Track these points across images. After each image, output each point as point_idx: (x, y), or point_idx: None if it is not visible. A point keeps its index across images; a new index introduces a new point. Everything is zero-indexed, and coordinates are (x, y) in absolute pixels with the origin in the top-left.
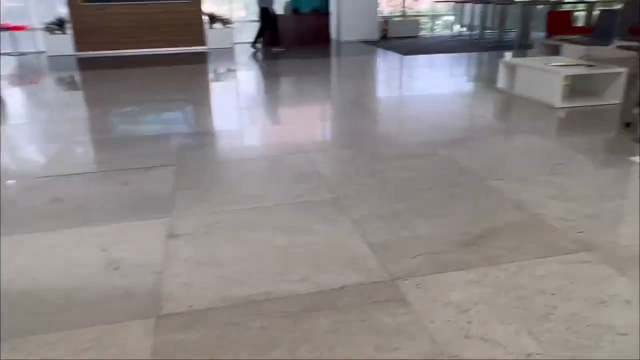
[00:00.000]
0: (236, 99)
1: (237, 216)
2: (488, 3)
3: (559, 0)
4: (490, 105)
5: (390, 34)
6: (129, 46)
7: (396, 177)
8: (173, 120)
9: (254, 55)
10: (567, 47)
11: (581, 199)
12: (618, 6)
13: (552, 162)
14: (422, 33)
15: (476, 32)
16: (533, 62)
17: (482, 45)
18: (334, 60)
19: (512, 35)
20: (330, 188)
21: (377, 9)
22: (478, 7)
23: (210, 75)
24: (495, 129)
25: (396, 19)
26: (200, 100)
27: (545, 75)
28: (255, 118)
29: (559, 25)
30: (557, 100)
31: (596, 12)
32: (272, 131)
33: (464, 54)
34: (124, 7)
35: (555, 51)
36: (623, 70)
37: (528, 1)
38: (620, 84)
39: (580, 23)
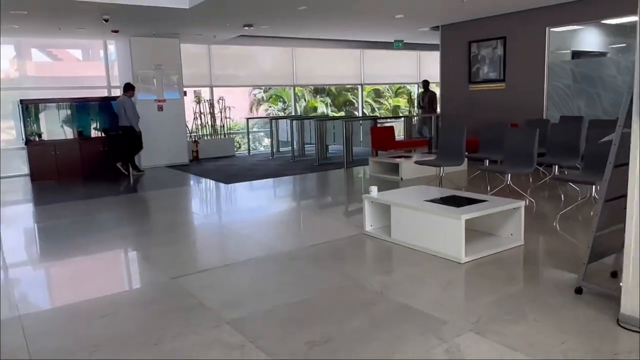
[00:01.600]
0: None
1: None
2: (305, 119)
3: (376, 116)
4: (373, 266)
5: (202, 154)
6: None
7: None
8: None
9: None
10: (406, 165)
11: None
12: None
13: None
14: (238, 152)
15: (289, 148)
16: (410, 200)
17: (307, 164)
18: (130, 200)
19: (333, 149)
20: None
21: (185, 128)
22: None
23: None
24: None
25: (207, 138)
26: None
27: (439, 220)
28: None
29: (384, 140)
30: (461, 253)
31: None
32: None
33: (294, 177)
34: None
35: (392, 169)
36: (520, 204)
37: (348, 117)
38: (517, 219)
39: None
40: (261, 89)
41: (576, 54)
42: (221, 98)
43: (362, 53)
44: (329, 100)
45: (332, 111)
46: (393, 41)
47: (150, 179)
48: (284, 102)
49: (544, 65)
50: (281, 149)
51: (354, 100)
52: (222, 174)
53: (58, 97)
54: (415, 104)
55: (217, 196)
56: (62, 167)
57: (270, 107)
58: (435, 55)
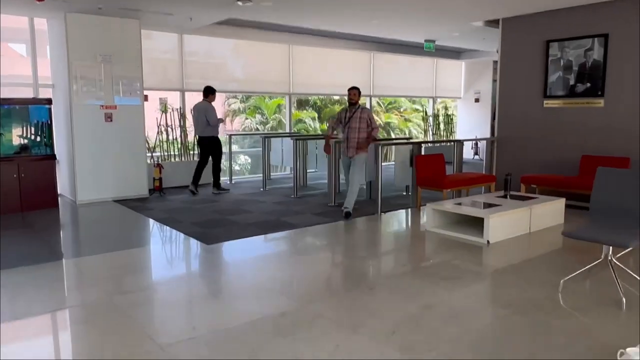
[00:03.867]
0: None
1: None
2: (309, 139)
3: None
4: None
5: (168, 182)
6: None
7: None
8: None
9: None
10: (497, 221)
11: None
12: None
13: None
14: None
15: (281, 175)
16: None
17: (316, 203)
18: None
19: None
20: None
21: (145, 147)
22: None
23: None
24: None
25: (175, 160)
26: None
27: None
28: None
29: (433, 174)
30: None
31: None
32: None
33: (311, 232)
34: None
35: (463, 222)
36: None
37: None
38: None
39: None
40: (237, 98)
41: None
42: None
43: (372, 57)
44: (315, 114)
45: (320, 126)
46: (423, 41)
47: (86, 225)
48: (262, 115)
49: None
50: (272, 176)
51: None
52: (197, 218)
53: None
54: (328, 127)
55: (191, 282)
56: None
57: (247, 119)
58: (454, 65)
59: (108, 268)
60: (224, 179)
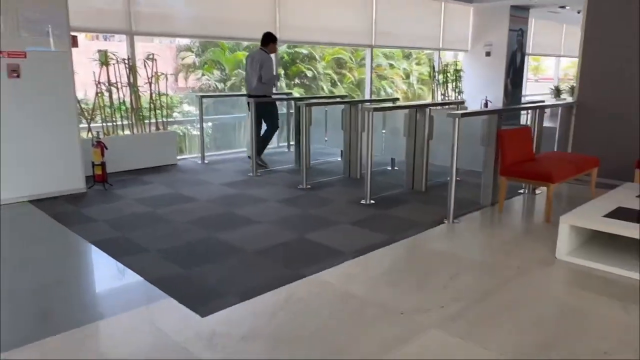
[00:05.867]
0: None
1: None
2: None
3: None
4: None
5: (114, 166)
6: None
7: None
8: None
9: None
10: None
11: None
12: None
13: None
14: (183, 158)
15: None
16: None
17: (347, 198)
18: None
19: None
20: None
21: (77, 116)
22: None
23: None
24: None
25: (125, 133)
26: None
27: None
28: None
29: (522, 156)
30: None
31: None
32: None
33: (369, 261)
34: None
35: (612, 246)
36: None
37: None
38: None
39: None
40: (192, 50)
41: None
42: (151, 57)
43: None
44: (282, 70)
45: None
46: None
47: None
48: (222, 70)
49: None
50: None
51: (310, 73)
52: (168, 239)
53: None
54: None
55: None
56: None
57: (203, 75)
58: (461, 10)
59: None
60: (191, 156)
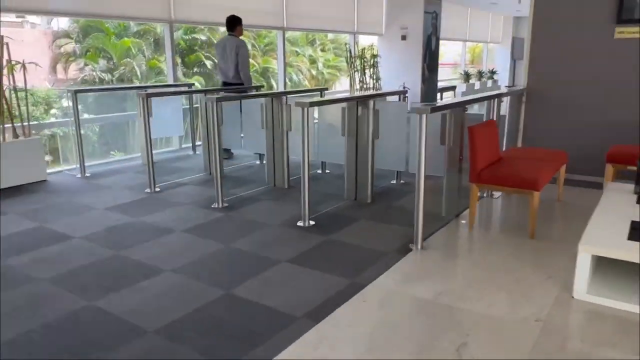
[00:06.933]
0: None
1: None
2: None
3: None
4: None
5: None
6: None
7: None
8: None
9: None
10: None
11: None
12: None
13: None
14: (54, 172)
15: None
16: None
17: (284, 220)
18: None
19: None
20: None
21: None
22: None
23: None
24: None
25: None
26: None
27: None
28: None
29: (491, 156)
30: None
31: None
32: None
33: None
34: None
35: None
36: None
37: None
38: None
39: None
40: (71, 36)
41: None
42: (3, 42)
43: None
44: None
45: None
46: None
47: None
48: (109, 59)
49: None
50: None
51: (207, 62)
52: (11, 309)
53: None
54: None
55: None
56: None
57: (86, 65)
58: None
59: None
60: (69, 168)
